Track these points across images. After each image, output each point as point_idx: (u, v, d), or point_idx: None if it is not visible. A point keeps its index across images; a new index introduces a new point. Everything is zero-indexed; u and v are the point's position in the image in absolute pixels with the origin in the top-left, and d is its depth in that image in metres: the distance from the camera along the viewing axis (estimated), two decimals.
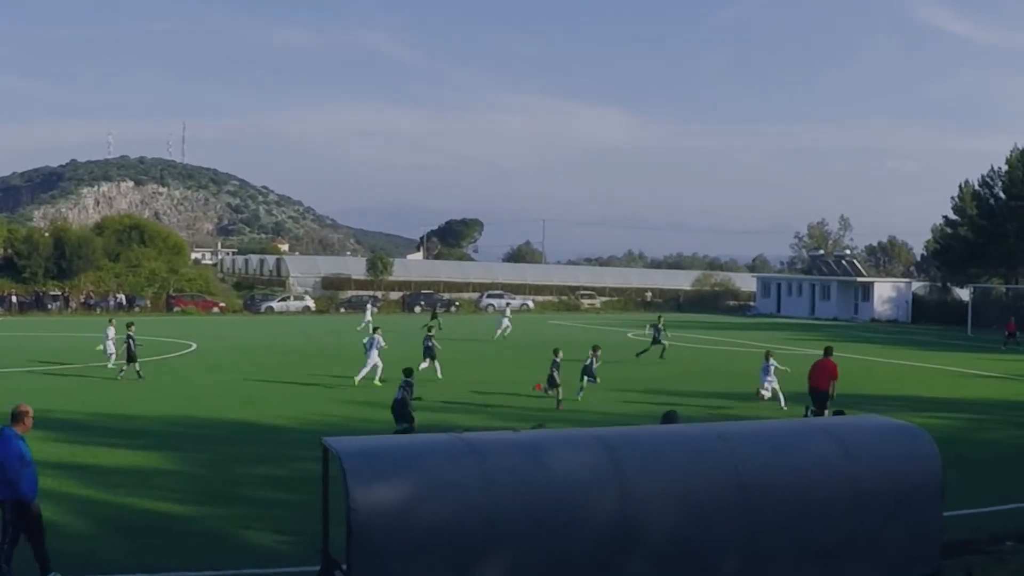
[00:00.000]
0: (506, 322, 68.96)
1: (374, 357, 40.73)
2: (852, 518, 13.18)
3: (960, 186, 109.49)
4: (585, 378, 36.71)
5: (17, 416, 15.35)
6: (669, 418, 16.80)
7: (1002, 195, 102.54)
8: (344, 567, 11.61)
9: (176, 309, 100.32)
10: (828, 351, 31.82)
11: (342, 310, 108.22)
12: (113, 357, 43.53)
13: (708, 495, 12.59)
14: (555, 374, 34.71)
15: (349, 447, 11.88)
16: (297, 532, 17.53)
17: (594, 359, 36.93)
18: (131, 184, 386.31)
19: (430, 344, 43.79)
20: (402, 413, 27.31)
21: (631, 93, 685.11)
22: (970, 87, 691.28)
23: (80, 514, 19.25)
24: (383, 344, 41.76)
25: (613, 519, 12.01)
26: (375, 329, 44.39)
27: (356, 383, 39.61)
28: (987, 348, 65.46)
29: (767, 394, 36.26)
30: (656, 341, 54.26)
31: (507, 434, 13.64)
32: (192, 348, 57.10)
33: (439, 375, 41.89)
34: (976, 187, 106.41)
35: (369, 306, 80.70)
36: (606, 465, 12.25)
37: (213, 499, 18.99)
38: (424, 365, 42.09)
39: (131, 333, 40.99)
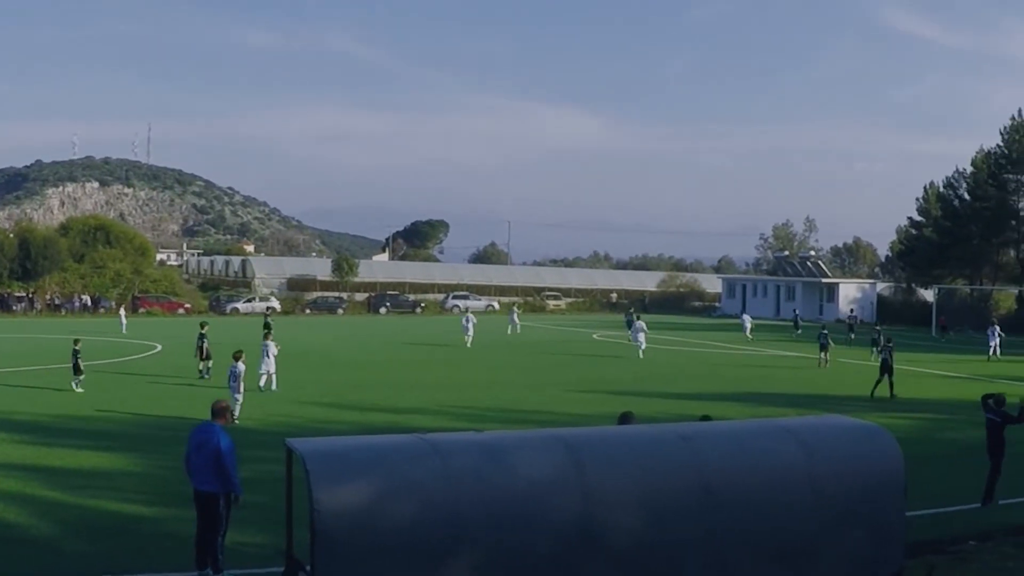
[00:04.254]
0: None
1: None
2: (814, 518, 13.23)
3: (925, 188, 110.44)
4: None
5: (220, 411, 15.96)
6: (625, 419, 16.77)
7: (967, 197, 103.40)
8: (308, 568, 11.63)
9: (141, 310, 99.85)
10: None
11: (307, 311, 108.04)
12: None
13: (670, 495, 12.63)
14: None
15: (312, 448, 11.88)
16: (261, 533, 17.52)
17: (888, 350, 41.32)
18: (96, 185, 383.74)
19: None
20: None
21: (596, 95, 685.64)
22: (936, 90, 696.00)
23: (45, 516, 19.19)
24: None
25: (575, 519, 12.04)
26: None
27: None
28: (951, 349, 65.85)
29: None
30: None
31: (469, 435, 13.67)
32: (157, 350, 56.94)
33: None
34: (941, 189, 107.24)
35: (515, 308, 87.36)
36: (568, 466, 12.28)
37: (178, 501, 18.89)
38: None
39: (204, 332, 43.39)
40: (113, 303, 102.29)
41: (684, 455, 13.00)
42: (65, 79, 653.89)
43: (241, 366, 31.94)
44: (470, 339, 64.07)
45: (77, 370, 37.98)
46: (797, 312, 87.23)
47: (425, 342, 67.22)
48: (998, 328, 60.57)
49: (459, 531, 11.56)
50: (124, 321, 75.58)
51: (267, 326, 58.89)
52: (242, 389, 31.73)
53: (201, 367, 42.56)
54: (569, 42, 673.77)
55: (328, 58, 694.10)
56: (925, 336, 78.71)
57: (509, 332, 75.63)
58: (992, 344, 59.38)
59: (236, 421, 28.98)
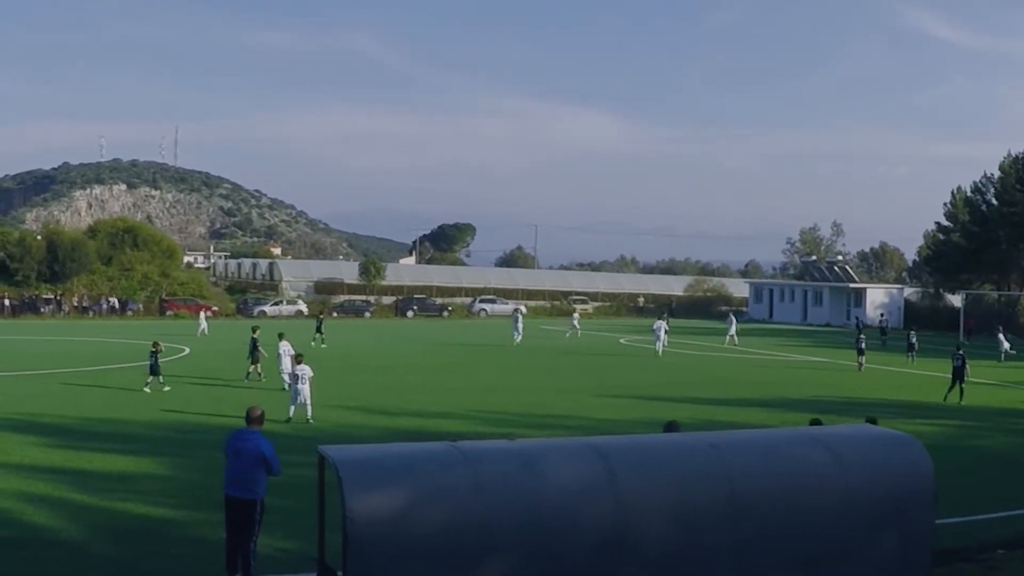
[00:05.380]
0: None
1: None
2: (843, 526, 13.18)
3: (953, 192, 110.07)
4: None
5: (257, 418, 16.16)
6: (671, 428, 16.78)
7: (994, 201, 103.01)
8: (340, 574, 11.63)
9: (169, 313, 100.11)
10: None
11: (335, 314, 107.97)
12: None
13: (700, 503, 12.59)
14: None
15: (345, 455, 11.88)
16: (290, 539, 17.53)
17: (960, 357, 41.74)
18: (123, 187, 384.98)
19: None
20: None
21: (622, 98, 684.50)
22: (962, 93, 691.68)
23: (73, 519, 19.23)
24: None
25: (606, 527, 12.02)
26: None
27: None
28: (979, 354, 65.47)
29: None
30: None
31: (501, 443, 13.66)
32: (185, 352, 57.06)
33: None
34: (968, 193, 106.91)
35: (576, 314, 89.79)
36: (599, 473, 12.25)
37: (206, 505, 18.95)
38: None
39: (256, 336, 43.66)
40: (139, 305, 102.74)
41: (715, 464, 12.96)
42: (92, 81, 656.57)
43: (306, 368, 32.79)
44: (519, 337, 68.09)
45: (154, 371, 38.69)
46: (885, 318, 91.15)
47: (452, 345, 67.29)
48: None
49: (491, 539, 11.55)
50: (204, 324, 76.89)
51: (319, 329, 64.28)
52: (309, 391, 32.39)
53: (251, 370, 42.80)
54: (593, 45, 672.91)
55: (353, 61, 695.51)
56: (952, 342, 78.38)
57: (569, 336, 77.48)
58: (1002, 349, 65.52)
59: (312, 421, 31.59)
